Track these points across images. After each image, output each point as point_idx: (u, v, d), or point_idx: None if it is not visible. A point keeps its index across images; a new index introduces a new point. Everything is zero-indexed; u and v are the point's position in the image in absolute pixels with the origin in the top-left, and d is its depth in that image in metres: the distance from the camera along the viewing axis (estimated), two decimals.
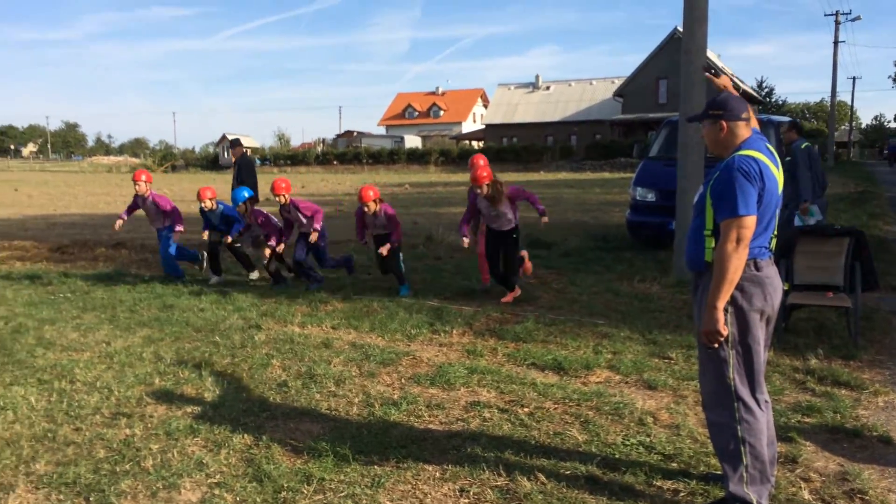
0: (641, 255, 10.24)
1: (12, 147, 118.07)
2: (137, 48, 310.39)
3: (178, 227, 9.16)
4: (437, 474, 3.73)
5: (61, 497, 3.58)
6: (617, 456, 3.89)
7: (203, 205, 9.13)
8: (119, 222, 9.39)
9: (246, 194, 8.82)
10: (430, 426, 4.38)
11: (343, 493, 3.54)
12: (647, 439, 4.09)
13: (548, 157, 51.78)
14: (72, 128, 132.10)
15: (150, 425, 4.43)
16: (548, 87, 63.36)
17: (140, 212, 9.51)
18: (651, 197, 10.63)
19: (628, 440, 4.09)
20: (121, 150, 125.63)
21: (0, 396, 4.97)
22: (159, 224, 9.33)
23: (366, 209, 8.03)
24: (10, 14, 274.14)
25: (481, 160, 7.94)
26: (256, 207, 9.02)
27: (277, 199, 8.34)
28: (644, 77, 51.49)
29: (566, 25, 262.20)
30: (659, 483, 3.57)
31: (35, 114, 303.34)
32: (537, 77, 64.31)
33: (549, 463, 3.82)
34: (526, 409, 4.58)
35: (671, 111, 39.03)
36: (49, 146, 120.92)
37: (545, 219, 7.71)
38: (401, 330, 6.54)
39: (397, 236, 8.24)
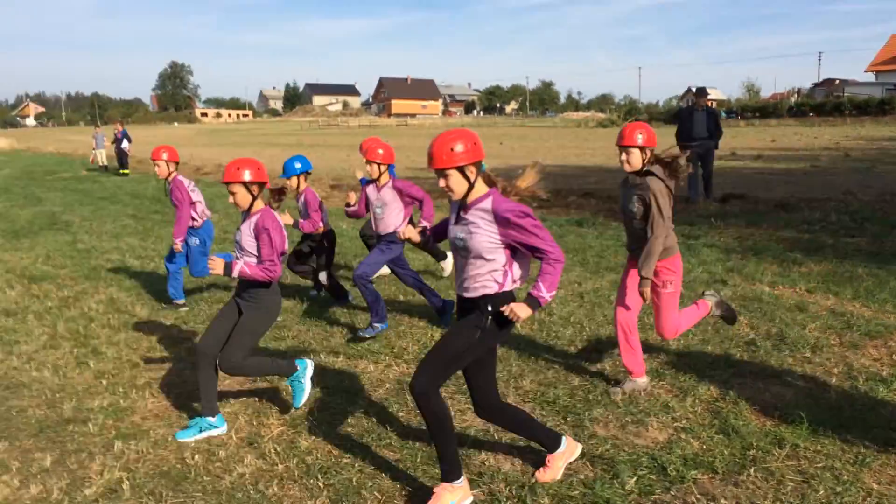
0: None
1: (498, 105, 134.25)
2: (608, 6, 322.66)
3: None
4: None
5: (544, 413, 4.03)
6: None
7: (369, 169, 5.51)
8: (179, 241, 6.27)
9: (298, 165, 6.05)
10: None
11: (820, 465, 3.29)
12: None
13: None
14: (547, 86, 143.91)
15: (619, 363, 4.68)
16: None
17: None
18: None
19: None
20: (588, 105, 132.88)
21: None
22: (196, 222, 6.39)
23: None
24: None
25: (640, 131, 4.06)
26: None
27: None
28: None
29: None
30: None
31: (517, 74, 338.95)
32: None
33: None
34: None
35: None
36: (528, 103, 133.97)
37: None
38: (892, 300, 5.73)
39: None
